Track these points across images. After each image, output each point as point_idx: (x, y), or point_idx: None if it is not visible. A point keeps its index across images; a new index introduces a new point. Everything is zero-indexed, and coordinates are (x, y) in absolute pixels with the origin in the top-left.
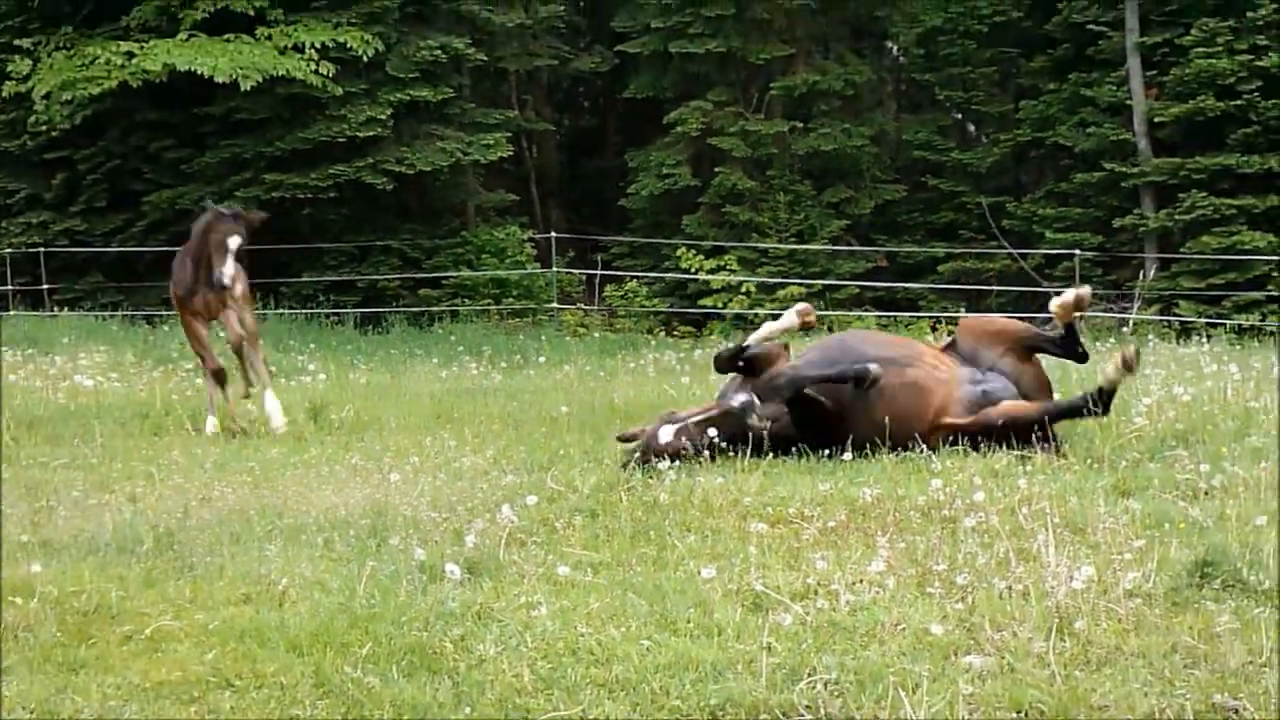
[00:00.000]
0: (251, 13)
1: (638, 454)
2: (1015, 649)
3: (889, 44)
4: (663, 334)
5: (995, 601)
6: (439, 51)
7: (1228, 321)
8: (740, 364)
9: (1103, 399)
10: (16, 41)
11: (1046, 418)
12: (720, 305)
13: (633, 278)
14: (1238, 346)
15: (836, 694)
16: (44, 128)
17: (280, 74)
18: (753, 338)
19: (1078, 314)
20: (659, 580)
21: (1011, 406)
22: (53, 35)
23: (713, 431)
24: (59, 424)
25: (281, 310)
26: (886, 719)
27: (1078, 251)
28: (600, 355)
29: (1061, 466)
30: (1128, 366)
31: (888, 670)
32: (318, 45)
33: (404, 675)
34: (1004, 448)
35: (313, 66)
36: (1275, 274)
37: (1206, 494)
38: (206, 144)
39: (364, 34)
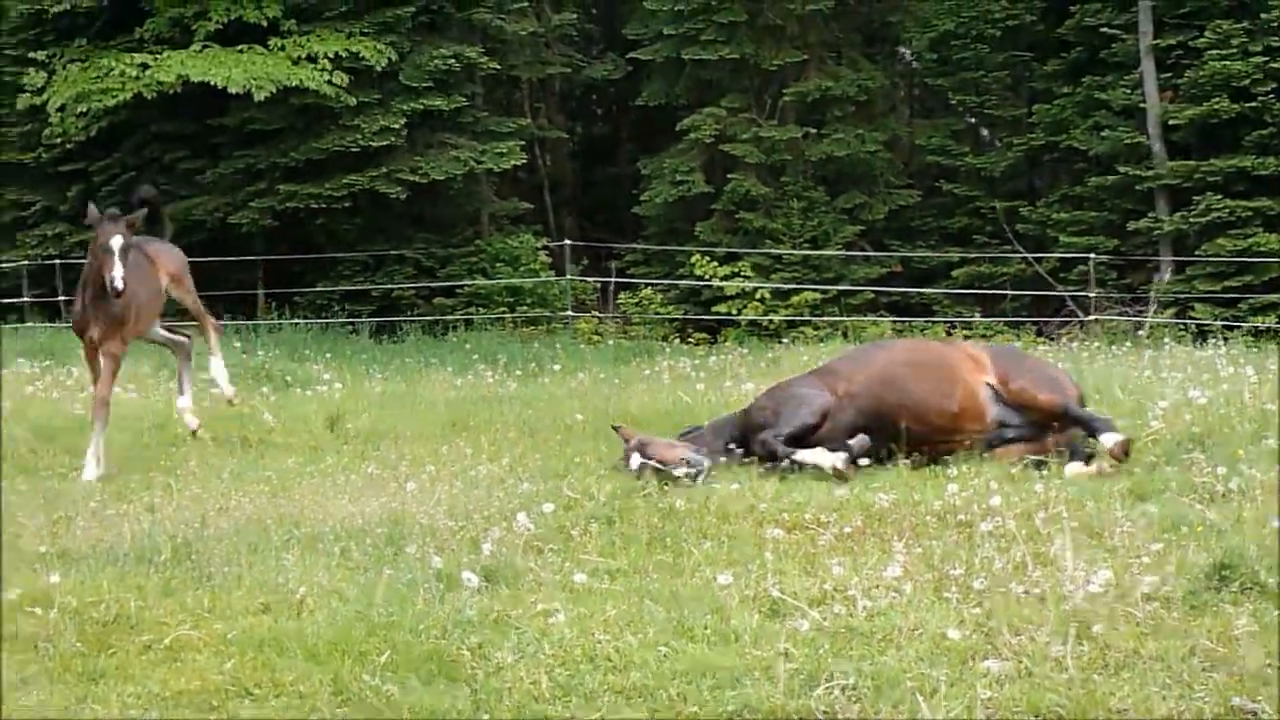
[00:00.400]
0: (265, 23)
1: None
2: (1033, 653)
3: (901, 49)
4: (677, 341)
5: (1012, 606)
6: (452, 60)
7: (1244, 324)
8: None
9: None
10: (31, 54)
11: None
12: (735, 312)
13: (647, 285)
14: (1254, 349)
15: (854, 699)
16: (59, 140)
17: (294, 84)
18: (800, 455)
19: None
20: (676, 587)
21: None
22: (67, 48)
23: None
24: (76, 435)
25: (296, 320)
26: None
27: (1092, 255)
28: (615, 363)
29: (1080, 470)
30: (1124, 454)
31: (905, 675)
32: (331, 55)
33: (422, 683)
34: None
35: (326, 76)
36: None
37: (1223, 497)
38: (221, 155)
39: (377, 44)
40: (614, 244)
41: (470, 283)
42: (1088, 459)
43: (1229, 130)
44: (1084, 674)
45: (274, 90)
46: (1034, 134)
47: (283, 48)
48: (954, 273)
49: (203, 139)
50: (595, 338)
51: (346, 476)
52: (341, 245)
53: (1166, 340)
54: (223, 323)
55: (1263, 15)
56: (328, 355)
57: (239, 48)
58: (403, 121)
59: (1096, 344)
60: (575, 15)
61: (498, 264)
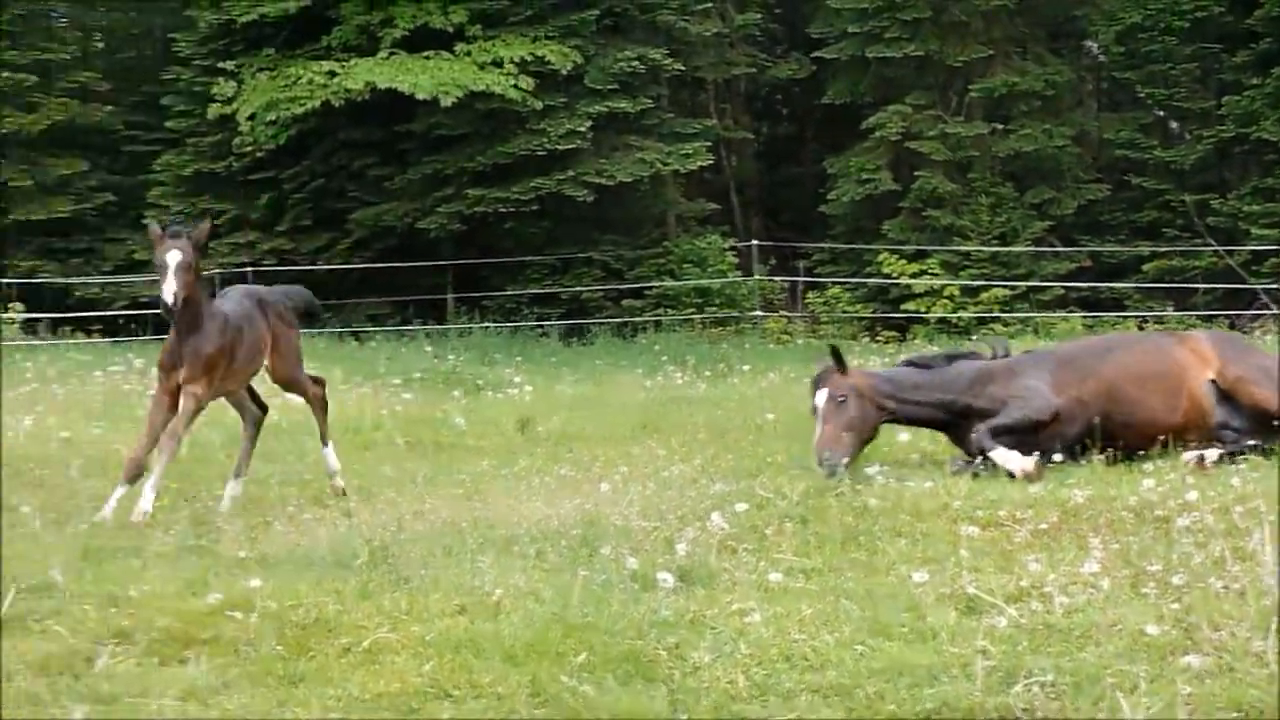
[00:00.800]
0: (451, 29)
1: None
2: (1234, 648)
3: (1088, 43)
4: (866, 339)
5: (1212, 601)
6: (636, 62)
7: None
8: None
9: None
10: (220, 64)
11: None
12: (924, 309)
13: (835, 283)
14: None
15: (1053, 696)
16: (249, 149)
17: (480, 89)
18: (995, 453)
19: None
20: (871, 585)
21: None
22: (255, 57)
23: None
24: (272, 441)
25: (486, 324)
26: None
27: None
28: (804, 362)
29: (1273, 460)
30: None
31: (1105, 672)
32: (517, 60)
33: (619, 683)
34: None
35: (512, 81)
36: None
37: None
38: (408, 161)
39: (562, 47)
40: (801, 243)
41: (658, 284)
42: None
43: None
44: None
45: (460, 95)
46: (1224, 126)
47: (469, 53)
48: (1144, 267)
49: (390, 145)
50: (784, 337)
51: (540, 478)
52: (529, 249)
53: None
54: (414, 327)
55: None
56: (517, 358)
57: (425, 54)
58: (588, 124)
59: None
60: (759, 15)
61: (685, 265)
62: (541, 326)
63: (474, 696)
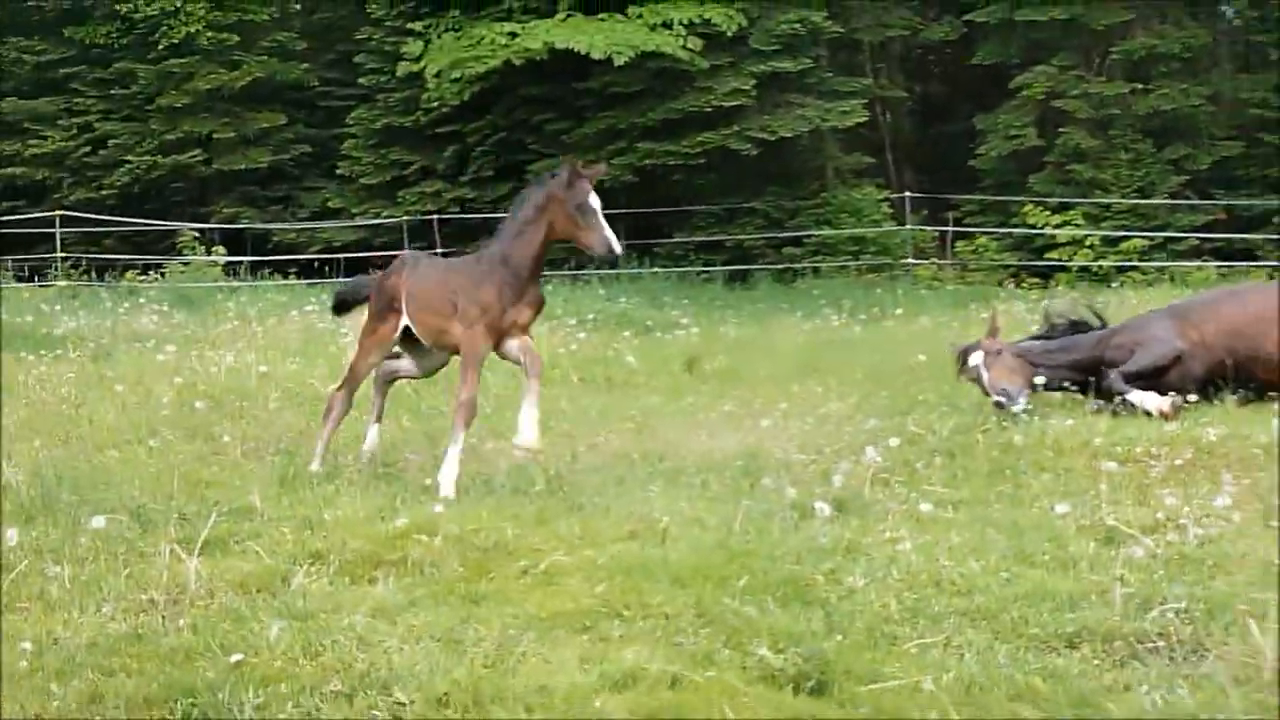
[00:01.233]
0: None
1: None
2: None
3: (1224, 7)
4: (1012, 285)
5: None
6: (798, 25)
7: None
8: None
9: None
10: (409, 25)
11: None
12: (1066, 258)
13: (983, 233)
14: None
15: (1187, 622)
16: (435, 104)
17: (651, 49)
18: (1132, 395)
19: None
20: (1015, 517)
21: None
22: (441, 18)
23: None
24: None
25: (655, 269)
26: (1237, 646)
27: None
28: (954, 307)
29: None
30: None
31: (1235, 600)
32: (685, 22)
33: (779, 605)
34: None
35: (681, 42)
36: None
37: None
38: (585, 116)
39: (728, 10)
40: (951, 195)
41: (817, 233)
42: None
43: None
44: None
45: (633, 55)
46: None
47: (640, 15)
48: (1275, 219)
49: (568, 102)
50: (935, 283)
51: (705, 414)
52: (696, 199)
53: None
54: (587, 272)
55: None
56: (685, 301)
57: (600, 16)
58: (753, 83)
59: None
60: None
61: (842, 215)
62: (707, 272)
63: (643, 616)
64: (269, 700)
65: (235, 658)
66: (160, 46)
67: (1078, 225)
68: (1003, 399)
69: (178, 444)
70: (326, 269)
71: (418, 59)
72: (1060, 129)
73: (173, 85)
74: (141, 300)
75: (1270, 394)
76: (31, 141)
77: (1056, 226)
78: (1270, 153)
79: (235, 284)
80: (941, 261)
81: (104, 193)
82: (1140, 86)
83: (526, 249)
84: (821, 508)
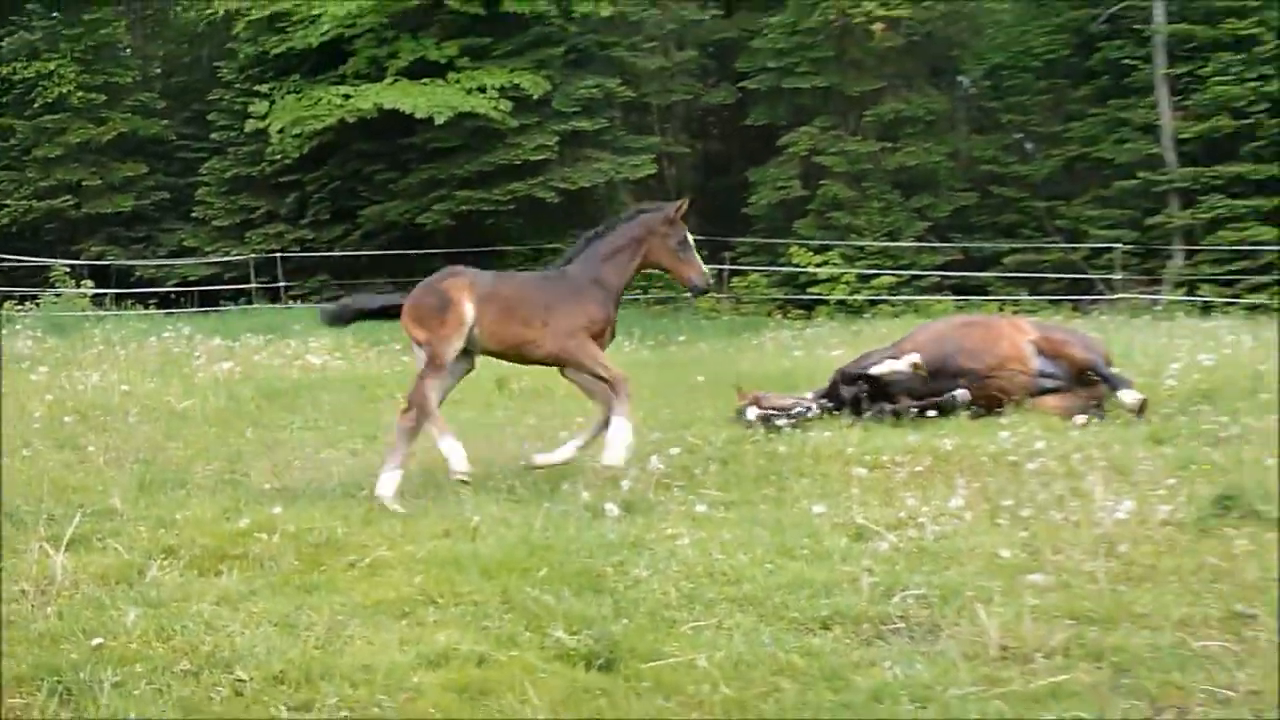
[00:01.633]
0: (444, 61)
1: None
2: (1070, 568)
3: (961, 78)
4: (779, 317)
5: (1053, 530)
6: (595, 90)
7: (1241, 301)
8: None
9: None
10: (256, 87)
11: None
12: (826, 293)
13: (755, 271)
14: (1250, 321)
15: (924, 607)
16: (278, 157)
17: (467, 110)
18: (875, 369)
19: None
20: (779, 516)
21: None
22: (284, 82)
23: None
24: (294, 395)
25: None
26: (966, 627)
27: (1118, 245)
28: (729, 335)
29: (1107, 420)
30: (1141, 409)
31: (966, 587)
32: (498, 86)
33: (574, 593)
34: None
35: (494, 103)
36: (1279, 261)
37: (1226, 441)
38: (410, 168)
39: (535, 76)
40: (728, 238)
41: None
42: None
43: (1229, 143)
44: (1112, 585)
45: (452, 115)
46: (1069, 146)
47: (458, 80)
48: (1005, 260)
49: (395, 155)
50: (713, 314)
51: (512, 428)
52: (507, 240)
53: (1179, 314)
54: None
55: (1255, 49)
56: None
57: (423, 81)
58: (556, 140)
59: (1121, 317)
60: (695, 52)
61: None
62: None
63: (455, 603)
64: (125, 679)
65: (96, 641)
66: (36, 104)
67: (836, 264)
68: (801, 409)
69: (48, 453)
70: (182, 300)
71: (263, 117)
72: (821, 181)
73: (47, 138)
74: (18, 327)
75: (996, 410)
76: None
77: (818, 265)
78: (1000, 202)
79: (101, 313)
80: (719, 295)
81: None
82: (889, 145)
83: (619, 276)
84: (611, 509)
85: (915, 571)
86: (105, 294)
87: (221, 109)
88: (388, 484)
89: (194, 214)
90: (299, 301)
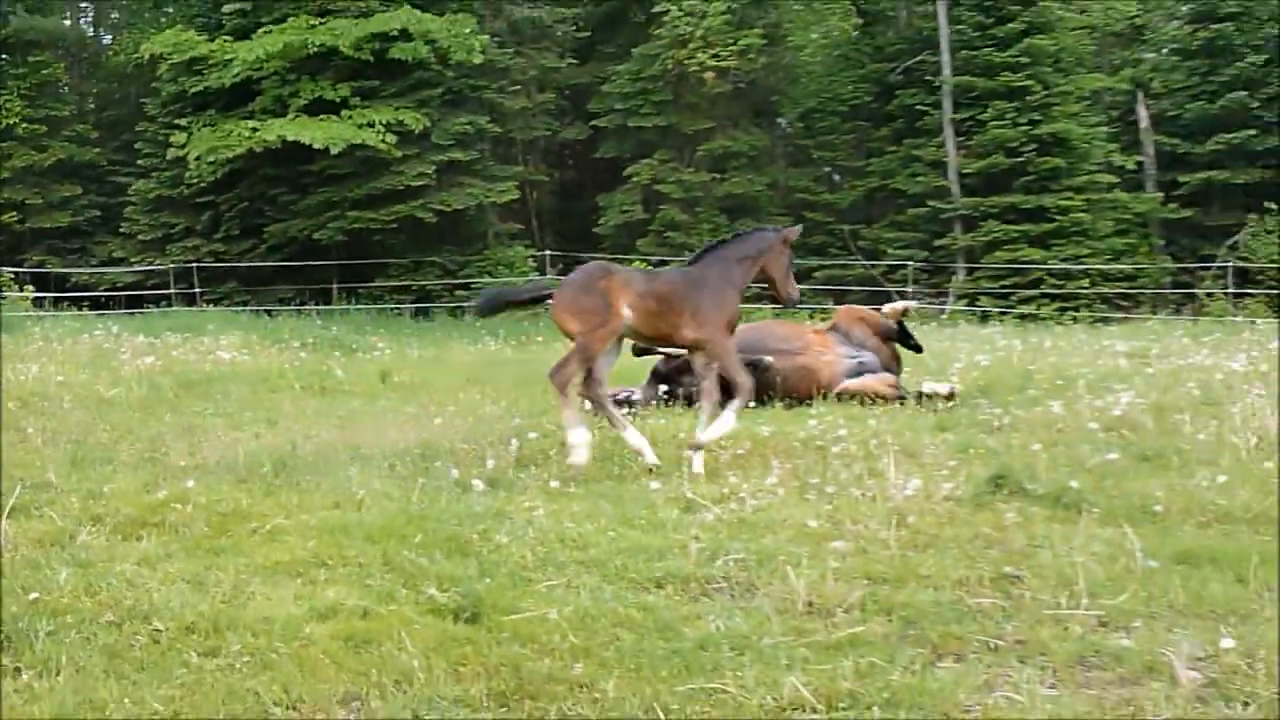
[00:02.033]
0: (338, 100)
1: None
2: (867, 537)
3: (780, 120)
4: None
5: (853, 504)
6: (468, 126)
7: (1013, 311)
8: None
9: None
10: (176, 120)
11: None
12: None
13: None
14: (1020, 328)
15: (743, 569)
16: (195, 180)
17: (358, 142)
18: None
19: (904, 316)
20: (621, 491)
21: (874, 384)
22: (201, 116)
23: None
24: (207, 385)
25: (360, 307)
26: (778, 586)
27: (910, 263)
28: None
29: (900, 410)
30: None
31: (779, 553)
32: (384, 122)
33: (444, 556)
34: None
35: (381, 136)
36: (1046, 278)
37: (999, 429)
38: (308, 191)
39: (416, 114)
40: (581, 254)
41: (481, 280)
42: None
43: (1004, 177)
44: (902, 551)
45: (345, 146)
46: (870, 178)
47: (350, 116)
48: (815, 274)
49: (295, 180)
50: None
51: (394, 415)
52: (391, 254)
53: (961, 321)
54: (309, 307)
55: (1027, 98)
56: (381, 330)
57: (321, 116)
58: (434, 169)
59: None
60: (554, 94)
61: (500, 267)
62: (398, 309)
63: (343, 565)
64: (58, 628)
65: (33, 596)
66: None
67: None
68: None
69: None
70: (111, 303)
71: (183, 146)
72: (660, 206)
73: None
74: None
75: (806, 401)
76: None
77: None
78: (811, 225)
79: (41, 314)
80: None
81: None
82: (719, 176)
83: (744, 280)
84: (477, 484)
85: (736, 539)
86: (45, 297)
87: (147, 139)
88: (643, 447)
89: (122, 229)
90: (212, 305)
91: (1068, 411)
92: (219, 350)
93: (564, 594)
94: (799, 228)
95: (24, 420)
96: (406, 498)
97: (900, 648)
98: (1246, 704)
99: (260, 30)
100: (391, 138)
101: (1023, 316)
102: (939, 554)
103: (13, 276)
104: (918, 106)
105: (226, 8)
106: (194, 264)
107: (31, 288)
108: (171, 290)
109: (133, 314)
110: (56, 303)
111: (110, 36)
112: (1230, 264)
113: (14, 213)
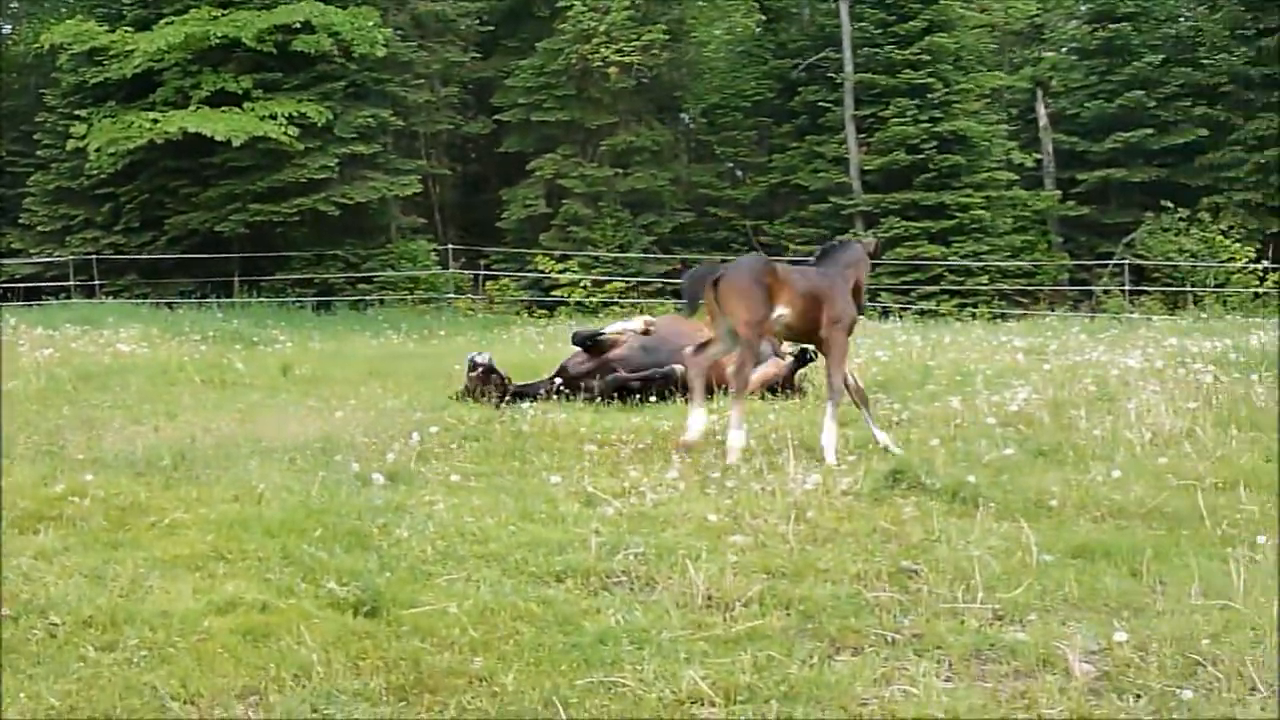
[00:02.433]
0: (241, 92)
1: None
2: (766, 531)
3: (683, 115)
4: (526, 315)
5: (753, 498)
6: (371, 119)
7: (913, 307)
8: (589, 345)
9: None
10: (76, 111)
11: (788, 376)
12: (566, 295)
13: (506, 276)
14: (920, 324)
15: (643, 563)
16: (96, 172)
17: (260, 134)
18: (607, 329)
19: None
20: (521, 485)
21: (770, 371)
22: (101, 107)
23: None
24: (106, 377)
25: (261, 299)
26: (678, 580)
27: (811, 258)
28: (483, 330)
29: (800, 405)
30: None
31: (679, 546)
32: (287, 114)
33: (344, 550)
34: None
35: (283, 129)
36: (946, 274)
37: (898, 424)
38: (210, 183)
39: (319, 106)
40: (483, 247)
41: (383, 274)
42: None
43: (905, 174)
44: (801, 545)
45: (246, 138)
46: (773, 174)
47: (253, 108)
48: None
49: (197, 172)
50: (470, 312)
51: (295, 408)
52: (293, 246)
53: (861, 317)
54: (210, 300)
55: (928, 95)
56: (282, 324)
57: (222, 108)
58: (336, 161)
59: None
60: (457, 89)
61: (402, 261)
62: (300, 301)
63: (242, 559)
64: None
65: None
66: None
67: (575, 271)
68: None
69: None
70: (9, 295)
71: (83, 137)
72: (563, 200)
73: None
74: None
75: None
76: None
77: (559, 272)
78: (714, 220)
79: None
80: (475, 297)
81: None
82: (622, 171)
83: (847, 285)
84: (378, 478)
85: (636, 533)
86: None
87: (46, 130)
88: (738, 440)
89: (21, 220)
90: (112, 298)
91: (966, 407)
92: (118, 343)
93: (464, 588)
94: (879, 241)
95: None
96: (307, 491)
97: (798, 641)
98: (1139, 696)
99: (162, 21)
100: (294, 130)
101: (922, 312)
102: (837, 548)
103: None
104: (820, 103)
105: None
106: (94, 256)
107: None
108: (71, 282)
109: (31, 306)
110: None
111: (10, 26)
112: (1127, 261)
113: None
